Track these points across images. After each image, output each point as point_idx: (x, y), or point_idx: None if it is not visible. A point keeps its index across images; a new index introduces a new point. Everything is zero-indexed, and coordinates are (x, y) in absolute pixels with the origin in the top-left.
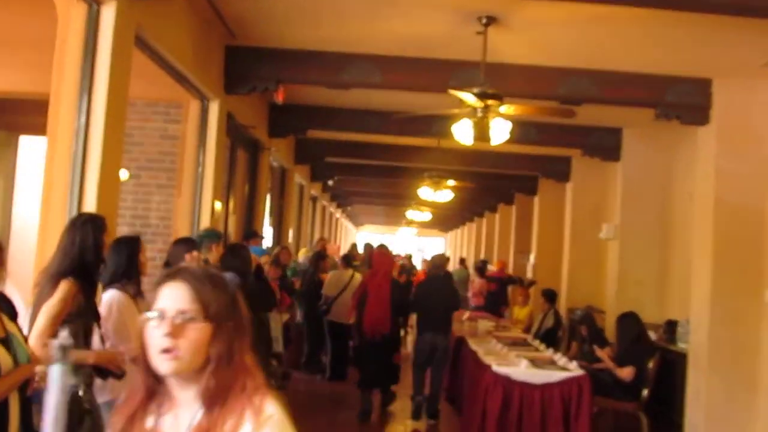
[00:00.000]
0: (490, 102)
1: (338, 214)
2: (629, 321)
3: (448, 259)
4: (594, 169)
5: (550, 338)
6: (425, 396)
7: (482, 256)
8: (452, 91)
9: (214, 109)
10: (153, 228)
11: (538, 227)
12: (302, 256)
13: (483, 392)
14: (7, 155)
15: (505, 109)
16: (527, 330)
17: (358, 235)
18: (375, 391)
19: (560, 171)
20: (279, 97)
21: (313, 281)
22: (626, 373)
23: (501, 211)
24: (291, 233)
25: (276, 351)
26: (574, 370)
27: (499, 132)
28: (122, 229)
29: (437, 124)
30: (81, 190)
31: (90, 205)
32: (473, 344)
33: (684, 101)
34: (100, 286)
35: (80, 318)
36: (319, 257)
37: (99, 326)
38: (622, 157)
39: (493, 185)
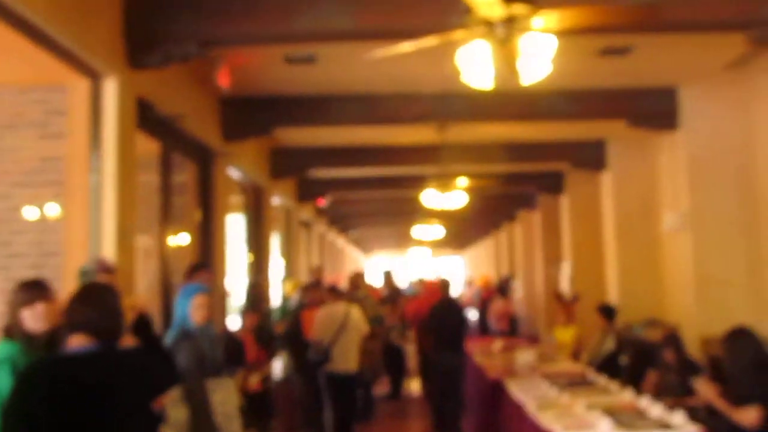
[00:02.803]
0: (516, 10)
1: (342, 241)
2: (743, 341)
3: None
4: (638, 148)
5: (610, 367)
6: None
7: (504, 272)
8: None
9: (110, 91)
10: (42, 267)
11: (571, 230)
12: (293, 291)
13: None
14: None
15: (544, 21)
16: (575, 356)
17: (369, 262)
18: None
19: (594, 157)
20: (222, 80)
21: (298, 323)
22: (751, 416)
23: (521, 219)
24: (283, 266)
25: None
26: (683, 426)
27: (535, 59)
28: None
29: (439, 102)
30: None
31: None
32: (517, 390)
33: None
34: None
35: None
36: (305, 290)
37: None
38: (681, 124)
39: (510, 187)
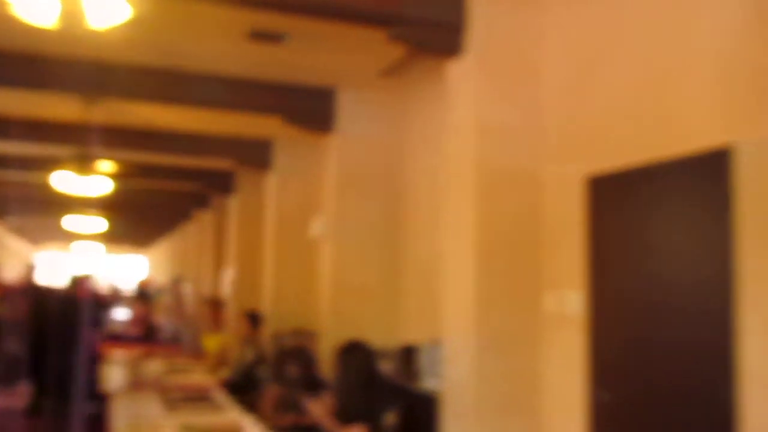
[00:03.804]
0: None
1: None
2: (355, 355)
3: None
4: (304, 149)
5: (253, 378)
6: None
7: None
8: None
9: None
10: None
11: (237, 233)
12: None
13: None
14: None
15: None
16: (219, 365)
17: (40, 256)
18: None
19: (260, 155)
20: None
21: None
22: None
23: (196, 219)
24: None
25: None
26: None
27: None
28: None
29: (86, 73)
30: None
31: None
32: (120, 407)
33: (434, 17)
34: None
35: None
36: None
37: None
38: (335, 126)
39: (181, 183)
